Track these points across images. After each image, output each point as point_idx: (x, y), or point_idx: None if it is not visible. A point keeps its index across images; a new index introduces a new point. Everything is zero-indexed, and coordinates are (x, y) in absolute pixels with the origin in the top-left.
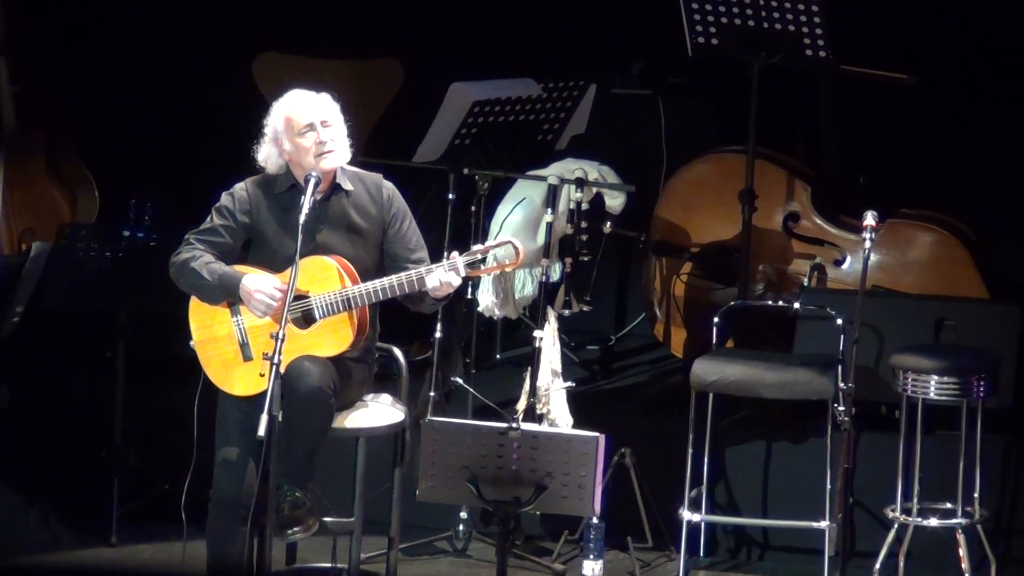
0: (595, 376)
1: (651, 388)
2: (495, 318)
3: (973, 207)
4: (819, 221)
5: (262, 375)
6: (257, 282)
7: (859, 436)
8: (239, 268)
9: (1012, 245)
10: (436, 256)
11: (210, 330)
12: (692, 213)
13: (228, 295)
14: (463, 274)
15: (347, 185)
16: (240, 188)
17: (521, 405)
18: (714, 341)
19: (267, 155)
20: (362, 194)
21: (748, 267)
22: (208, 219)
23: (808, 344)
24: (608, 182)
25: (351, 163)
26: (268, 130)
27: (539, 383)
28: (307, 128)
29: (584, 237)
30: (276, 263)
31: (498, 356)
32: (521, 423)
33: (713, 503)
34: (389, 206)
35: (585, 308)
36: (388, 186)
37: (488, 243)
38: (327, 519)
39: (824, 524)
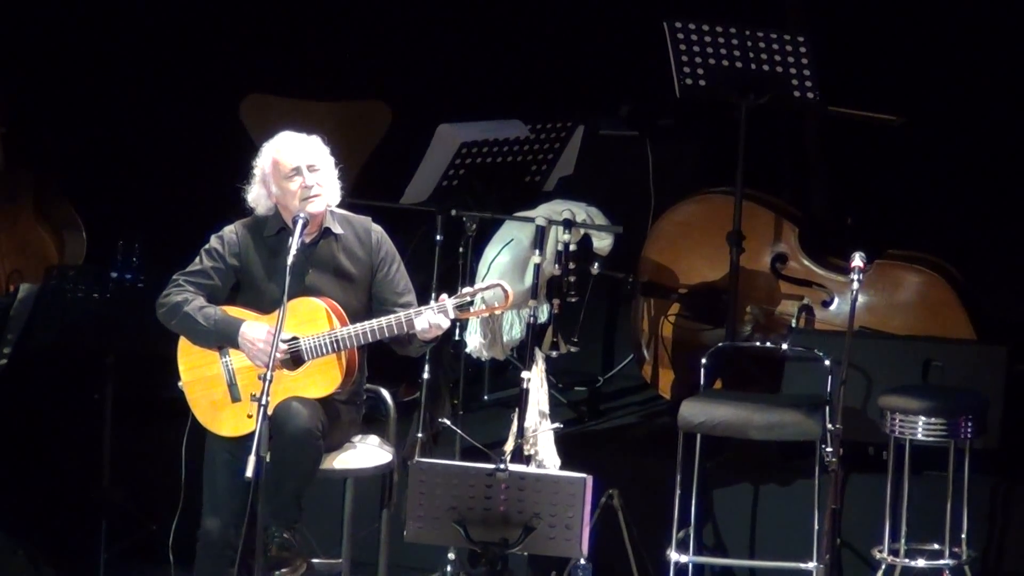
0: (583, 417)
1: (639, 429)
2: (483, 359)
3: (961, 248)
4: (807, 262)
5: (250, 416)
6: (257, 331)
7: (847, 477)
8: (232, 311)
9: (999, 286)
10: (424, 297)
11: (198, 371)
12: (680, 254)
13: (224, 342)
14: (452, 316)
15: (336, 228)
16: (229, 231)
17: (509, 446)
18: (702, 382)
19: (256, 196)
20: (351, 237)
21: (736, 308)
22: (197, 260)
23: (796, 385)
24: (596, 223)
25: (339, 205)
26: (257, 172)
27: (527, 424)
28: (293, 172)
29: (572, 278)
30: (264, 305)
31: (486, 397)
32: (509, 464)
33: (701, 544)
34: (378, 250)
35: (573, 349)
36: (377, 230)
37: (477, 285)
38: (315, 560)
39: (812, 565)
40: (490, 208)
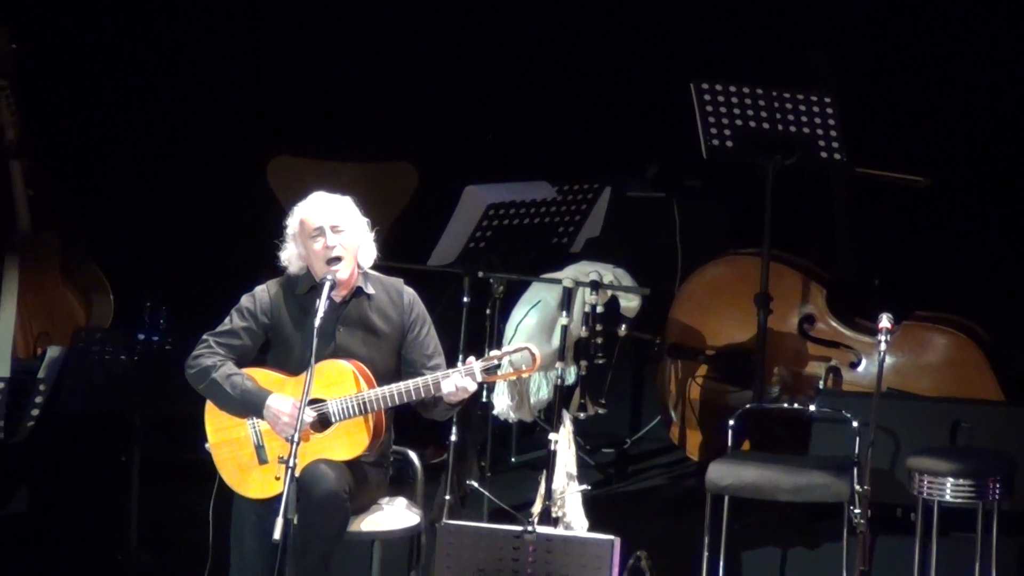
0: (610, 479)
1: (666, 491)
2: (510, 421)
3: (988, 309)
4: (834, 323)
5: (277, 478)
6: (283, 403)
7: (875, 539)
8: (258, 375)
9: None
10: (451, 359)
11: (226, 432)
12: (707, 316)
13: (250, 412)
14: (479, 379)
15: (369, 289)
16: (261, 290)
17: (536, 508)
18: (729, 444)
19: (289, 255)
20: (383, 298)
21: (764, 370)
22: (227, 320)
23: (824, 446)
24: (623, 285)
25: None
26: (288, 230)
27: (554, 486)
28: (317, 232)
29: (599, 340)
30: (292, 364)
31: (513, 459)
32: (536, 526)
33: None
34: (409, 311)
35: (600, 411)
36: (409, 292)
37: (505, 348)
38: None
39: None
40: (517, 270)
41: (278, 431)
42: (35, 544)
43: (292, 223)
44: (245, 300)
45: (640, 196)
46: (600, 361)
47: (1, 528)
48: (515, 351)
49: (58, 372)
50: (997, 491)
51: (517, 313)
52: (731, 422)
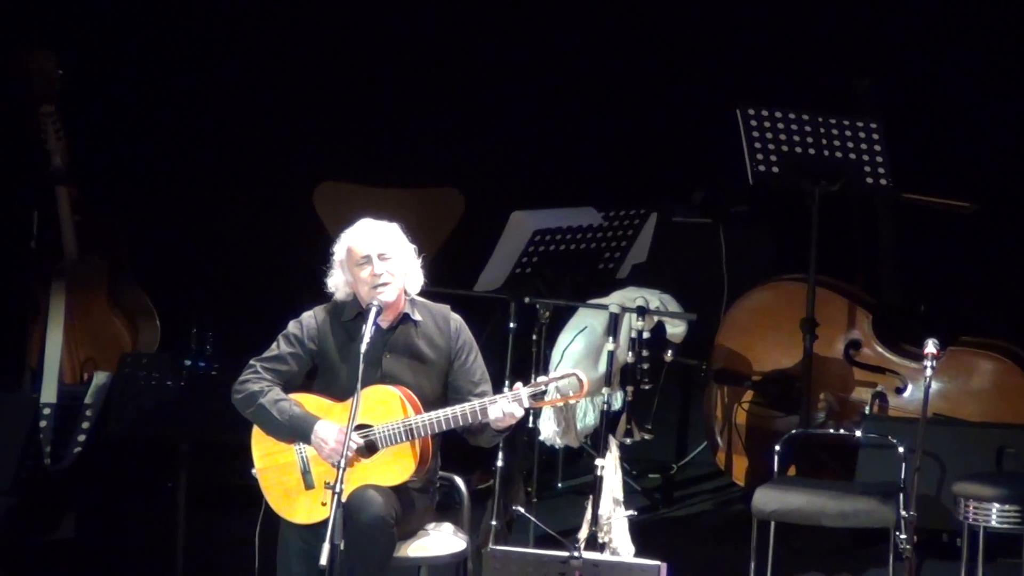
0: (657, 504)
1: (713, 516)
2: (557, 447)
3: None
4: (880, 349)
5: (324, 503)
6: (329, 430)
7: (921, 565)
8: (305, 400)
9: None
10: (498, 385)
11: (272, 458)
12: (753, 341)
13: (298, 438)
14: (527, 405)
15: (416, 315)
16: (308, 316)
17: (583, 534)
18: (775, 469)
19: (336, 282)
20: (430, 324)
21: (810, 395)
22: (274, 345)
23: (870, 472)
24: (669, 310)
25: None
26: (335, 257)
27: (601, 512)
28: (364, 260)
29: (645, 365)
30: (339, 390)
31: (560, 485)
32: (583, 552)
33: None
34: (456, 338)
35: (647, 436)
36: (456, 318)
37: (552, 375)
38: None
39: None
40: (563, 295)
41: (325, 457)
42: (82, 570)
43: (339, 250)
44: (292, 326)
45: (686, 222)
46: (646, 387)
47: (49, 553)
48: (563, 377)
49: (105, 398)
50: None
51: (563, 339)
52: (777, 447)
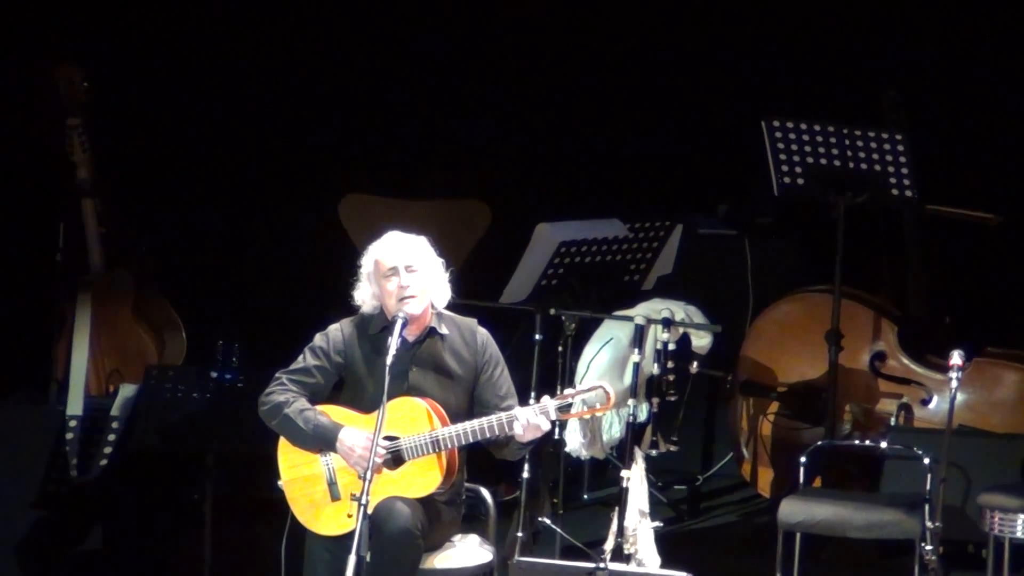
0: (682, 516)
1: (738, 528)
2: (582, 458)
3: None
4: (906, 360)
5: (350, 515)
6: (355, 437)
7: (946, 575)
8: (333, 413)
9: None
10: (523, 395)
11: (299, 469)
12: (779, 353)
13: (324, 447)
14: (553, 418)
15: (442, 329)
16: (335, 329)
17: (609, 545)
18: (801, 481)
19: (362, 294)
20: (456, 338)
21: (835, 406)
22: (301, 358)
23: (895, 483)
24: (695, 322)
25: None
26: (362, 270)
27: (627, 523)
28: (391, 272)
29: (671, 377)
30: (365, 402)
31: (585, 496)
32: (609, 563)
33: None
34: (483, 352)
35: (672, 448)
36: (482, 332)
37: (579, 387)
38: None
39: None
40: (589, 307)
41: (352, 464)
42: None
43: (366, 263)
44: (318, 339)
45: (712, 233)
46: (672, 398)
47: (76, 565)
48: (589, 390)
49: (131, 410)
50: None
51: (589, 350)
52: (803, 459)
